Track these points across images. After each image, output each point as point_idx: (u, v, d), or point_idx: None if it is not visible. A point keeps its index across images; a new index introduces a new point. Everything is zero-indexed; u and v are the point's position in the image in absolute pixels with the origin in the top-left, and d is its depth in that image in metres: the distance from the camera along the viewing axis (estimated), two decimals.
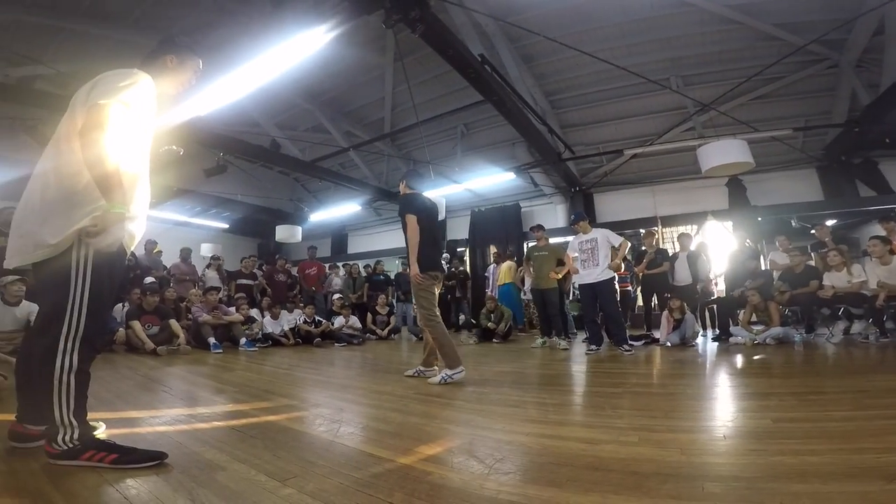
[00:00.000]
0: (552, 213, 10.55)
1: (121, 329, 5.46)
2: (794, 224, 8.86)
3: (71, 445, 1.51)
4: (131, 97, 1.58)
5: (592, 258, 5.13)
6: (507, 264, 8.26)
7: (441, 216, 5.51)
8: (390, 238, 13.16)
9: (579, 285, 5.23)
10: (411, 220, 3.40)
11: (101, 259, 1.58)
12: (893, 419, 1.84)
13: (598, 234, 5.22)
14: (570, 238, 9.26)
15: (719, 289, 7.25)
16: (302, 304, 7.64)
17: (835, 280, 5.31)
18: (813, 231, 6.78)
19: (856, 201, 8.50)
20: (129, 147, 1.61)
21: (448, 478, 1.41)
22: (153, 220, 10.84)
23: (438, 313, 3.45)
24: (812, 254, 6.39)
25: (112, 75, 1.61)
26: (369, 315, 8.21)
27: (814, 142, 8.67)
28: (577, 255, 5.35)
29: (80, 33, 6.33)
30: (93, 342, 1.63)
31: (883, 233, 5.47)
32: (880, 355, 4.05)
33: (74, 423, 1.52)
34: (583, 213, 5.65)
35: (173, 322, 5.74)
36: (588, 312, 5.30)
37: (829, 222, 7.82)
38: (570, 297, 7.97)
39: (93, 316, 1.57)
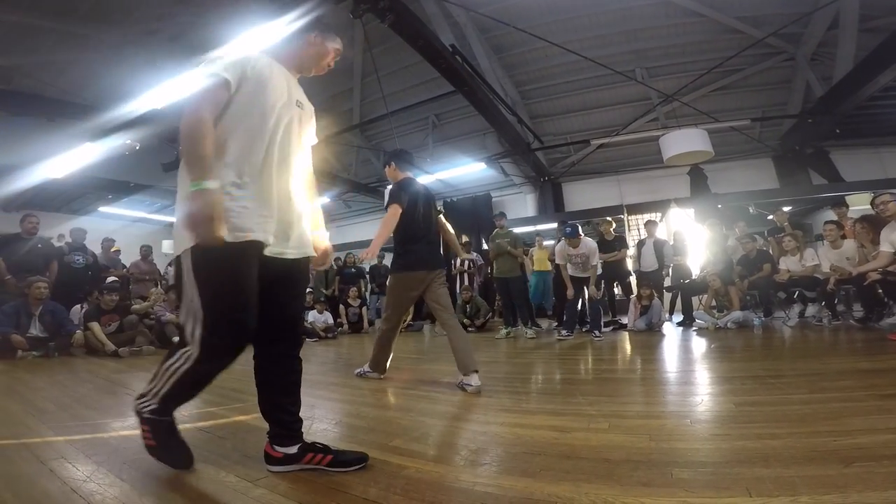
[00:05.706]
0: (522, 203, 10.65)
1: (78, 331, 5.23)
2: (751, 211, 9.22)
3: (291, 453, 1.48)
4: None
5: (584, 266, 5.32)
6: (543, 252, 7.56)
7: None
8: (361, 230, 13.01)
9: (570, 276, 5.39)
10: (395, 210, 2.86)
11: (199, 259, 1.31)
12: (847, 402, 1.91)
13: (586, 248, 5.27)
14: (539, 227, 9.39)
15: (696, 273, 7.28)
16: None
17: (790, 264, 5.50)
18: (771, 217, 7.03)
19: (808, 189, 8.93)
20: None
21: (424, 471, 1.41)
22: (107, 216, 10.51)
23: (397, 320, 3.14)
24: (769, 238, 6.63)
25: None
26: (341, 308, 8.12)
27: (770, 132, 9.01)
28: (564, 262, 5.43)
29: (21, 25, 5.88)
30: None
31: (836, 218, 5.71)
32: (833, 338, 4.24)
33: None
34: (577, 230, 5.39)
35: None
36: (574, 300, 5.41)
37: (784, 209, 8.14)
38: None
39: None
